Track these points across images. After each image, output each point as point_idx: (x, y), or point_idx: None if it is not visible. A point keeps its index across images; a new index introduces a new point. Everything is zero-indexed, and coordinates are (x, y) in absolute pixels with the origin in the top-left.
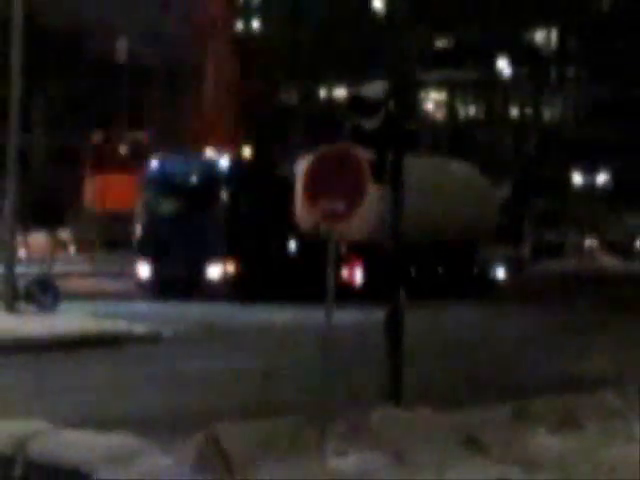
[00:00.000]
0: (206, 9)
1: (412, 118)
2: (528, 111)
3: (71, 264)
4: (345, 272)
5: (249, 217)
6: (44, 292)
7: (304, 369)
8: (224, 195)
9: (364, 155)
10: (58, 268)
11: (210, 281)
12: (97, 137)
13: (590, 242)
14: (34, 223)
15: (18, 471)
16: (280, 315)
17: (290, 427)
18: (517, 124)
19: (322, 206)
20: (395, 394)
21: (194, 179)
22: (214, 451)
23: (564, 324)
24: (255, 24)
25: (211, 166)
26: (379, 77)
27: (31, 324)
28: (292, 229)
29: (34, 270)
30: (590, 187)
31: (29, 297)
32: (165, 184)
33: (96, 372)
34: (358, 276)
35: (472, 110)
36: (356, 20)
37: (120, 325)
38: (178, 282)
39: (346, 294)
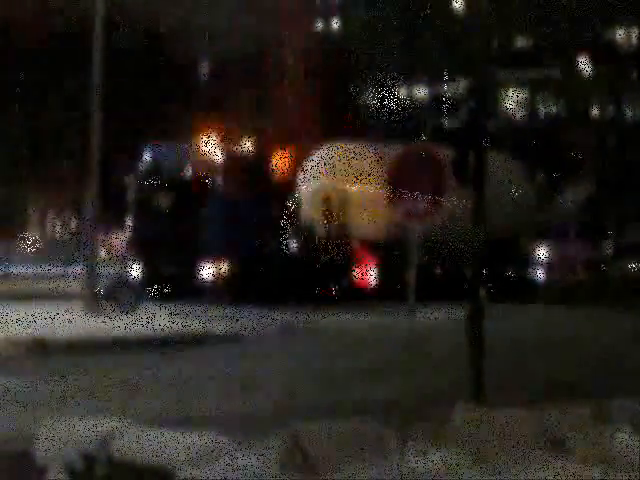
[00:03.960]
0: (285, 7)
1: (492, 117)
2: (610, 110)
3: None
4: (358, 272)
5: (242, 213)
6: (125, 292)
7: (391, 369)
8: (216, 190)
9: (444, 154)
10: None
11: (202, 281)
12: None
13: None
14: (115, 224)
15: (101, 470)
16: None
17: (370, 427)
18: (599, 123)
19: (404, 205)
20: (476, 393)
21: (184, 172)
22: (295, 451)
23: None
24: (334, 23)
25: (203, 159)
26: (459, 76)
27: (116, 324)
28: (291, 227)
29: (115, 270)
30: None
31: (110, 297)
32: (153, 178)
33: (206, 369)
34: (372, 276)
35: (553, 109)
36: (436, 18)
37: (197, 325)
38: (167, 282)
39: (359, 295)
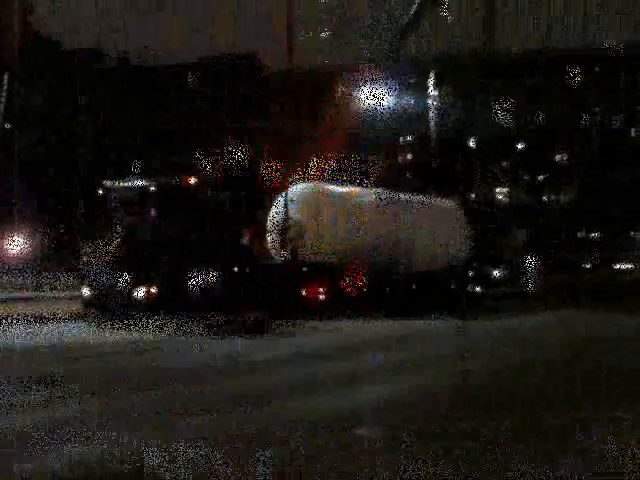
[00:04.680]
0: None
1: (478, 126)
2: (596, 116)
3: None
4: (311, 286)
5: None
6: (112, 300)
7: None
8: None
9: (430, 165)
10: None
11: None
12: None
13: None
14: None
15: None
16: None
17: (356, 436)
18: (586, 129)
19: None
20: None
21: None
22: (288, 462)
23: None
24: (320, 35)
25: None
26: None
27: (109, 331)
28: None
29: (103, 278)
30: None
31: (98, 305)
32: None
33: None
34: (324, 290)
35: (540, 117)
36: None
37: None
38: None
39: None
